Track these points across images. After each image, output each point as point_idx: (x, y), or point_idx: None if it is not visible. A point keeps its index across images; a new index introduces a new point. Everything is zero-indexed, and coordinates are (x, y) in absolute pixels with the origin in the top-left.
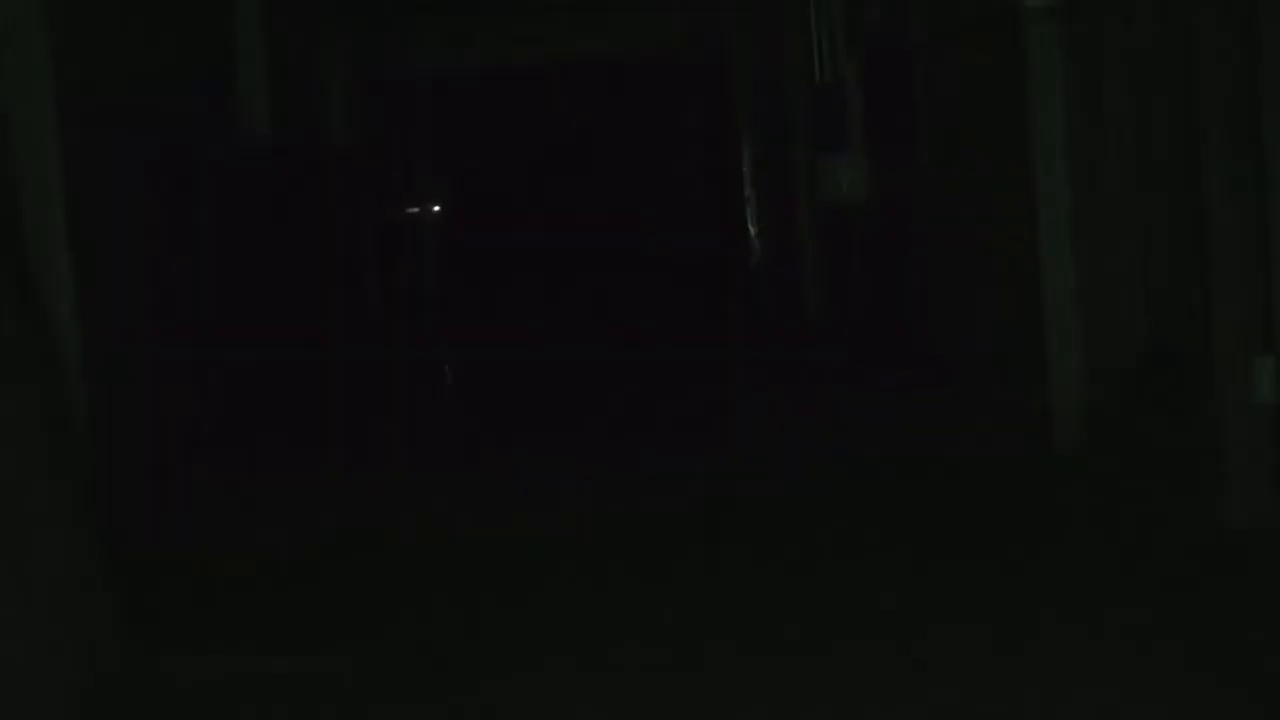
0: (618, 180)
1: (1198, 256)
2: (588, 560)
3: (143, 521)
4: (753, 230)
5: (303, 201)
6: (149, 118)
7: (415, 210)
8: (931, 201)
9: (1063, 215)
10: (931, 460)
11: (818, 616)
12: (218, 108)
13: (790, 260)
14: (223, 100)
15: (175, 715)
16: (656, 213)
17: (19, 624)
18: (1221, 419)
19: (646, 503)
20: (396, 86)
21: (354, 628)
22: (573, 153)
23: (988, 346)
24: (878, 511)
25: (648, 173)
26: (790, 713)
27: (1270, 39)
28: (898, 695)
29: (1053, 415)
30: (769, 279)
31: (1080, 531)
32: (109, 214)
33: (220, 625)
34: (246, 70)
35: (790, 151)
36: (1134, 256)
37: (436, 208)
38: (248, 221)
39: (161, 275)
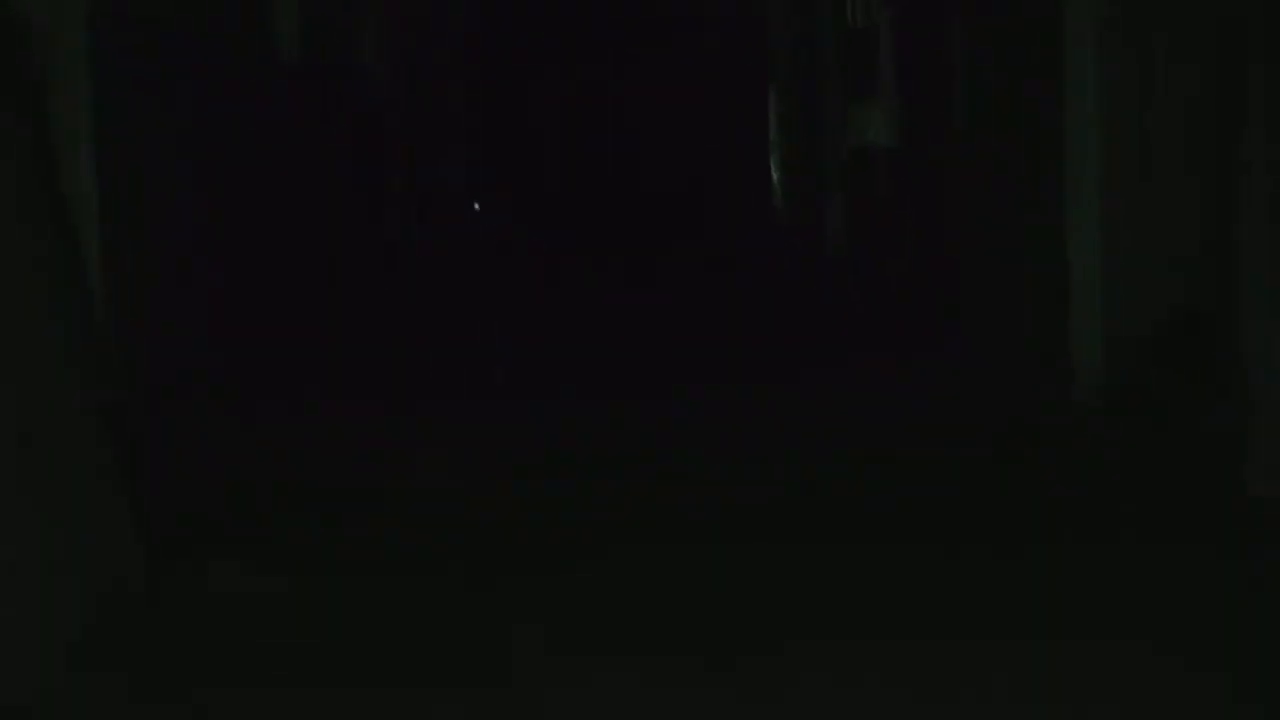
0: (641, 120)
1: (1226, 220)
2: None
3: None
4: (776, 175)
5: (331, 125)
6: (179, 38)
7: (439, 134)
8: (960, 151)
9: (1092, 172)
10: (947, 421)
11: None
12: (248, 29)
13: (814, 207)
14: (253, 22)
15: (193, 625)
16: (679, 155)
17: (36, 523)
18: (1245, 385)
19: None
20: (428, 11)
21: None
22: (598, 92)
23: (1012, 302)
24: (884, 478)
25: (672, 114)
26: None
27: None
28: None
29: (1075, 377)
30: (791, 225)
31: (1097, 498)
32: (135, 132)
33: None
34: None
35: (818, 96)
36: (1163, 219)
37: (458, 139)
38: (275, 144)
39: (185, 195)
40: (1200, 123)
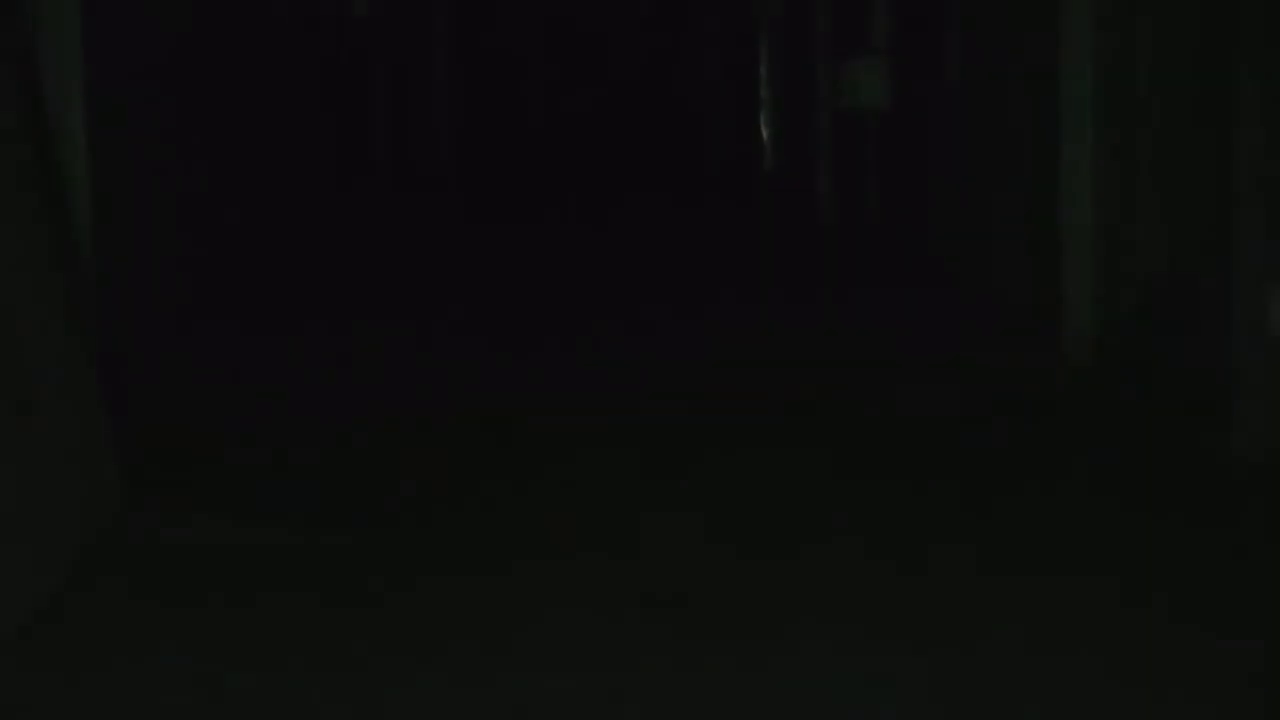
0: (629, 74)
1: (1221, 184)
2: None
3: (139, 394)
4: (765, 134)
5: (321, 72)
6: None
7: (431, 84)
8: (954, 111)
9: (1086, 131)
10: (939, 382)
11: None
12: None
13: (805, 167)
14: None
15: (170, 578)
16: (668, 111)
17: (15, 471)
18: (1235, 349)
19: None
20: None
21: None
22: (586, 47)
23: (1003, 262)
24: (869, 438)
25: (660, 69)
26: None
27: None
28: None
29: (1064, 336)
30: (782, 185)
31: (1085, 459)
32: (127, 75)
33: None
34: None
35: (810, 54)
36: (1157, 179)
37: (451, 88)
38: (267, 90)
39: (177, 141)
40: (1195, 83)
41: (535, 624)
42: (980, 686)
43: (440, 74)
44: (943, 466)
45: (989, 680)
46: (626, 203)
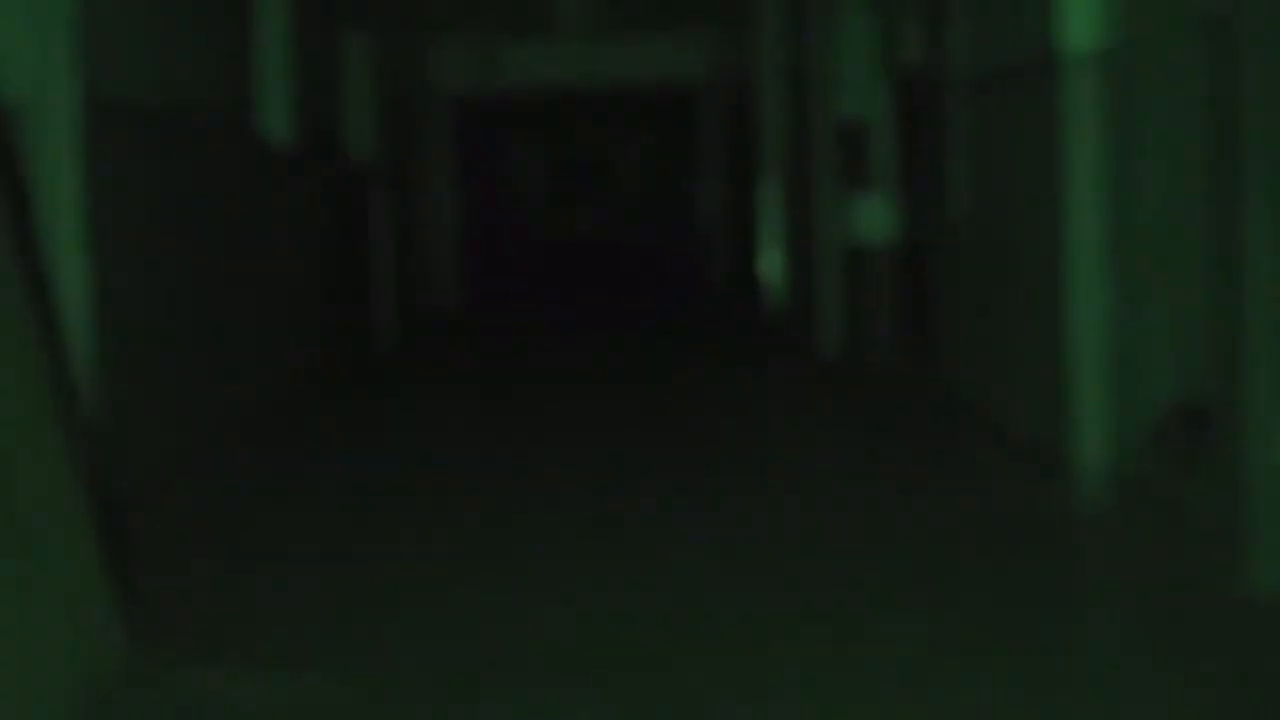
0: (634, 212)
1: (1231, 313)
2: None
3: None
4: (764, 271)
5: (320, 215)
6: (170, 124)
7: (432, 227)
8: (960, 246)
9: (1094, 265)
10: (944, 512)
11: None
12: (239, 119)
13: (808, 304)
14: (244, 112)
15: None
16: (671, 248)
17: (14, 619)
18: (1248, 480)
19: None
20: (418, 105)
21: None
22: (590, 182)
23: (1011, 396)
24: (873, 558)
25: (664, 206)
26: None
27: None
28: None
29: (1074, 469)
30: (786, 321)
31: (1095, 592)
32: (124, 218)
33: None
34: (268, 82)
35: (814, 191)
36: (1166, 309)
37: (452, 226)
38: (263, 232)
39: (173, 284)
40: (1203, 203)
41: None
42: None
43: (446, 216)
44: (949, 606)
45: None
46: (624, 341)
